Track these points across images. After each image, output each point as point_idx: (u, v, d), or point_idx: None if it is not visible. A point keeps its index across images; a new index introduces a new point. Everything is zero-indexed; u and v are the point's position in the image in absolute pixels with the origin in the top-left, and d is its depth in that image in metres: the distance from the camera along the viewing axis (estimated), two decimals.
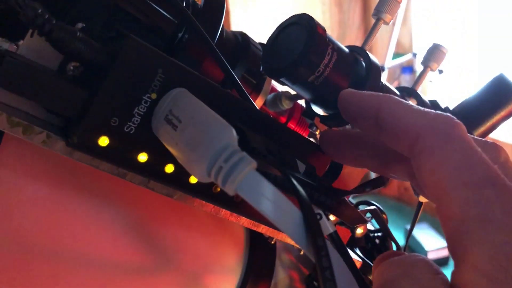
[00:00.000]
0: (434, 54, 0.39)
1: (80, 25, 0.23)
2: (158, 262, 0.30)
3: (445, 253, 2.06)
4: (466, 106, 0.39)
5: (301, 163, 0.27)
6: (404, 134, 0.21)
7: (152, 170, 0.24)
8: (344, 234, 0.43)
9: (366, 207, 0.50)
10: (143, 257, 0.29)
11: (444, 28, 2.38)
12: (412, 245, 2.14)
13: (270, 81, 0.38)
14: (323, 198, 0.24)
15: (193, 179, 0.25)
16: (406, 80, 2.56)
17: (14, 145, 0.24)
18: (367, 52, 0.32)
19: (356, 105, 0.24)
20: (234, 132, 0.19)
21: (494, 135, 0.39)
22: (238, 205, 0.27)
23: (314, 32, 0.28)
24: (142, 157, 0.23)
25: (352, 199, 0.55)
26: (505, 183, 0.17)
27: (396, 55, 2.48)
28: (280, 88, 0.39)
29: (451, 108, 0.41)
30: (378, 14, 0.33)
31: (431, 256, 2.02)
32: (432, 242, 2.11)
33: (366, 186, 0.29)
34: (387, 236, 0.49)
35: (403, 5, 2.38)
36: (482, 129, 0.38)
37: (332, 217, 0.31)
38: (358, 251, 0.48)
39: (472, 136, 0.20)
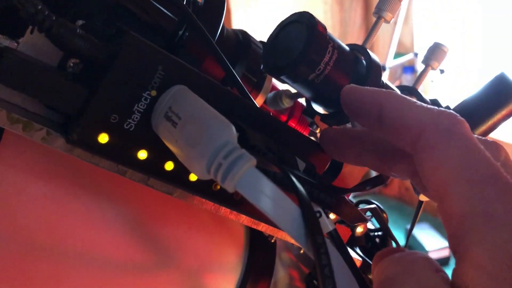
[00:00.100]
0: (435, 53, 0.39)
1: (80, 22, 0.23)
2: (158, 260, 0.30)
3: (445, 253, 2.06)
4: (466, 105, 0.39)
5: (301, 161, 0.27)
6: (407, 130, 0.21)
7: (152, 168, 0.24)
8: (344, 232, 0.43)
9: (366, 206, 0.49)
10: (143, 255, 0.29)
11: (445, 27, 2.38)
12: (413, 245, 2.14)
13: (271, 79, 0.38)
14: (323, 196, 0.24)
15: (193, 177, 0.25)
16: (407, 80, 2.56)
17: (14, 142, 0.24)
18: (368, 50, 0.32)
19: (359, 101, 0.23)
20: (234, 129, 0.19)
21: (494, 135, 0.38)
22: (238, 203, 0.27)
23: (314, 30, 0.28)
24: (142, 154, 0.23)
25: (352, 198, 0.55)
26: (508, 181, 0.17)
27: (398, 54, 2.48)
28: (281, 86, 0.39)
29: (451, 107, 0.41)
30: (379, 13, 0.33)
31: (431, 256, 2.01)
32: (432, 242, 2.11)
33: (366, 184, 0.29)
34: (387, 235, 0.49)
35: (404, 5, 2.38)
36: (482, 128, 0.38)
37: (332, 216, 0.31)
38: (358, 250, 0.48)
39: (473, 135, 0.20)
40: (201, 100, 0.21)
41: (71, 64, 0.22)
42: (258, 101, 0.37)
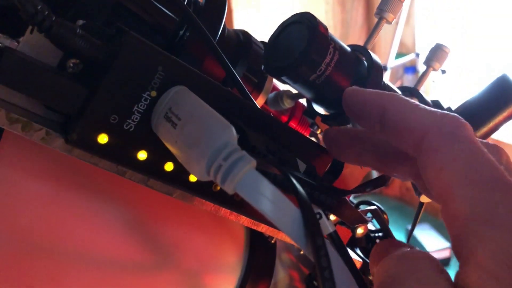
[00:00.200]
0: (436, 54, 0.39)
1: (80, 22, 0.23)
2: (158, 261, 0.30)
3: (446, 253, 2.06)
4: (468, 107, 0.39)
5: (302, 162, 0.27)
6: (409, 133, 0.20)
7: (152, 168, 0.23)
8: (345, 234, 0.43)
9: (367, 207, 0.49)
10: (143, 255, 0.29)
11: (447, 28, 2.38)
12: (413, 246, 2.14)
13: (272, 79, 0.38)
14: (323, 197, 0.24)
15: (192, 178, 0.25)
16: (408, 80, 2.56)
17: (13, 142, 0.24)
18: (369, 51, 0.32)
19: (361, 103, 0.23)
20: (234, 131, 0.19)
21: (496, 136, 0.38)
22: (238, 204, 0.27)
23: (316, 31, 0.28)
24: (142, 155, 0.23)
25: (353, 199, 0.54)
26: (511, 184, 0.17)
27: (399, 55, 2.48)
28: (282, 86, 0.39)
29: (453, 108, 0.41)
30: (381, 13, 0.33)
31: None
32: (433, 243, 2.10)
33: (367, 186, 0.29)
34: (388, 236, 0.49)
35: (406, 5, 2.38)
36: (484, 129, 0.38)
37: (332, 217, 0.31)
38: (358, 251, 0.47)
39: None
40: (201, 101, 0.21)
41: (71, 64, 0.22)
42: (259, 102, 0.37)
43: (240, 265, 0.37)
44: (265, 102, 0.38)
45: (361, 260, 0.44)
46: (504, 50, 2.08)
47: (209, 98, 0.22)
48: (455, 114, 0.20)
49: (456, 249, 0.18)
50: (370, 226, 0.51)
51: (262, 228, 0.32)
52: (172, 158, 0.23)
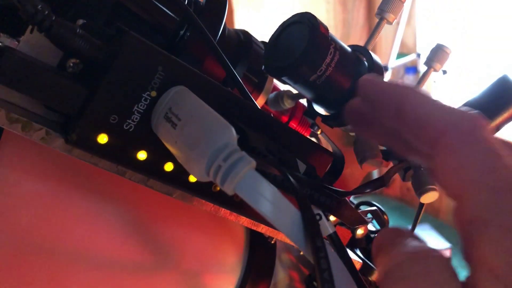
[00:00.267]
0: (437, 54, 0.38)
1: (80, 21, 0.23)
2: (158, 261, 0.30)
3: (446, 254, 2.05)
4: (469, 107, 0.39)
5: (302, 163, 0.27)
6: (426, 130, 0.20)
7: (151, 168, 0.23)
8: (345, 234, 0.43)
9: (367, 207, 0.49)
10: (143, 255, 0.29)
11: (448, 28, 2.37)
12: None
13: (272, 80, 0.38)
14: (323, 198, 0.24)
15: (192, 178, 0.25)
16: (409, 80, 2.56)
17: (13, 142, 0.24)
18: (370, 51, 0.32)
19: (376, 94, 0.22)
20: (234, 131, 0.19)
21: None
22: (237, 204, 0.27)
23: (316, 31, 0.28)
24: (141, 155, 0.23)
25: (353, 200, 0.54)
26: None
27: (400, 55, 2.47)
28: (282, 86, 0.39)
29: None
30: (382, 14, 0.33)
31: None
32: (433, 243, 2.10)
33: (366, 187, 0.29)
34: None
35: (407, 5, 2.37)
36: None
37: (332, 218, 0.31)
38: (358, 252, 0.47)
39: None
40: (201, 101, 0.21)
41: (71, 64, 0.21)
42: (259, 102, 0.37)
43: (240, 266, 0.37)
44: (266, 102, 0.38)
45: (361, 261, 0.44)
46: (505, 51, 2.08)
47: (209, 98, 0.22)
48: (474, 113, 0.19)
49: (467, 252, 0.17)
50: (370, 227, 0.51)
51: (262, 228, 0.32)
52: (172, 158, 0.23)
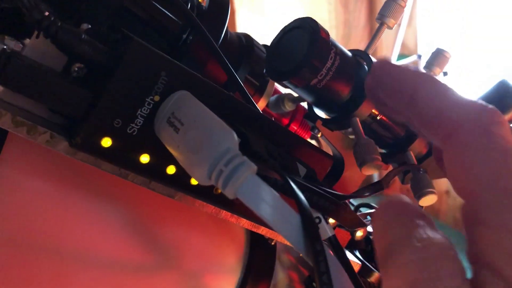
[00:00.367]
0: (437, 58, 0.39)
1: (85, 25, 0.23)
2: (158, 261, 0.30)
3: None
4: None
5: (302, 166, 0.27)
6: (441, 121, 0.19)
7: (154, 171, 0.24)
8: (344, 236, 0.43)
9: (367, 209, 0.50)
10: (144, 256, 0.29)
11: (448, 29, 2.37)
12: None
13: (273, 83, 0.38)
14: (323, 202, 0.24)
15: (194, 181, 0.25)
16: None
17: (18, 145, 0.24)
18: (370, 56, 0.32)
19: (390, 79, 0.21)
20: (236, 136, 0.20)
21: None
22: (238, 207, 0.28)
23: (317, 36, 0.28)
24: (144, 158, 0.23)
25: (353, 201, 0.55)
26: None
27: (401, 56, 2.47)
28: (283, 90, 0.40)
29: None
30: (382, 19, 0.33)
31: None
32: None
33: (366, 190, 0.29)
34: None
35: (408, 6, 2.37)
36: None
37: (331, 220, 0.31)
38: (357, 254, 0.48)
39: None
40: (203, 106, 0.22)
41: (76, 69, 0.22)
42: (261, 105, 0.37)
43: (240, 266, 0.37)
44: (267, 105, 0.39)
45: (360, 262, 0.44)
46: (505, 51, 2.07)
47: (211, 103, 0.23)
48: (493, 108, 0.18)
49: (472, 252, 0.17)
50: (370, 229, 0.51)
51: (262, 230, 0.32)
52: (174, 161, 0.23)
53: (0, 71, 0.19)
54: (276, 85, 0.39)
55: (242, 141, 0.23)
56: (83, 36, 0.21)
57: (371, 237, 0.49)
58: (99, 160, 0.23)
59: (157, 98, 0.22)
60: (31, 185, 0.25)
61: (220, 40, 0.32)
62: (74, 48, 0.21)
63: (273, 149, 0.25)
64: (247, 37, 0.37)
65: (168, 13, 0.30)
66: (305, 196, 0.20)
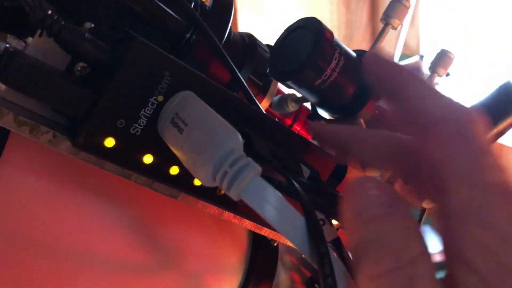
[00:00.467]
0: (441, 60, 0.39)
1: (88, 24, 0.23)
2: (160, 262, 0.30)
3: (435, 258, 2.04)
4: None
5: (306, 167, 0.27)
6: (420, 117, 0.20)
7: (157, 172, 0.24)
8: (347, 238, 0.43)
9: None
10: (145, 256, 0.29)
11: (450, 27, 2.37)
12: None
13: (276, 83, 0.38)
14: (327, 203, 0.24)
15: (197, 181, 0.25)
16: None
17: (20, 144, 0.24)
18: None
19: (379, 72, 0.22)
20: (240, 137, 0.19)
21: (499, 141, 0.38)
22: (242, 208, 0.27)
23: (321, 36, 0.28)
24: (148, 159, 0.23)
25: None
26: None
27: (403, 56, 2.46)
28: (286, 90, 0.39)
29: None
30: (387, 19, 0.33)
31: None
32: (433, 245, 2.10)
33: None
34: None
35: (411, 6, 2.36)
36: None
37: (334, 221, 0.31)
38: None
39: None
40: (207, 106, 0.22)
41: (79, 68, 0.22)
42: (264, 105, 0.37)
43: (242, 267, 0.37)
44: (270, 105, 0.38)
45: None
46: (507, 49, 2.06)
47: (216, 103, 0.22)
48: (472, 109, 0.19)
49: (446, 248, 0.17)
50: None
51: (265, 231, 0.32)
52: (177, 162, 0.23)
53: (2, 70, 0.19)
54: (279, 85, 0.39)
55: (246, 142, 0.23)
56: (86, 35, 0.21)
57: None
58: (101, 160, 0.23)
59: (160, 98, 0.22)
60: (33, 185, 0.24)
61: (224, 40, 0.32)
62: (78, 47, 0.21)
63: (276, 150, 0.25)
64: (250, 37, 0.37)
65: (171, 12, 0.30)
66: (309, 198, 0.20)
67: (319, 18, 0.29)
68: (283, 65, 0.30)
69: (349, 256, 0.24)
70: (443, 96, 0.20)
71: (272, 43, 0.38)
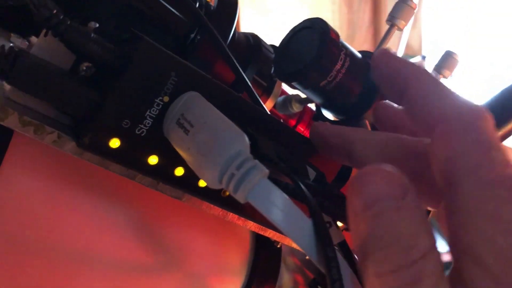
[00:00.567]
0: (446, 61, 0.38)
1: (93, 24, 0.23)
2: (163, 262, 0.30)
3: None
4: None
5: (311, 169, 0.27)
6: (427, 114, 0.20)
7: (162, 173, 0.23)
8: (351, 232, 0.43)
9: None
10: (148, 257, 0.29)
11: (454, 27, 2.36)
12: None
13: (281, 83, 0.38)
14: (333, 206, 0.24)
15: (202, 183, 0.25)
16: None
17: (23, 144, 0.24)
18: None
19: (387, 69, 0.22)
20: (247, 139, 0.19)
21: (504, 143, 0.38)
22: (246, 210, 0.27)
23: (327, 37, 0.28)
24: (153, 160, 0.23)
25: None
26: None
27: (405, 56, 2.46)
28: (290, 91, 0.39)
29: None
30: (392, 20, 0.33)
31: None
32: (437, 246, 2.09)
33: None
34: None
35: None
36: None
37: (339, 223, 0.31)
38: None
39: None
40: (213, 107, 0.21)
41: (84, 68, 0.21)
42: (268, 105, 0.37)
43: (245, 268, 0.37)
44: (274, 106, 0.38)
45: None
46: (509, 49, 2.06)
47: (221, 104, 0.22)
48: (479, 106, 0.19)
49: (454, 242, 0.17)
50: None
51: (269, 233, 0.32)
52: (182, 163, 0.23)
53: (8, 70, 0.19)
54: (283, 86, 0.39)
55: (252, 144, 0.23)
56: (92, 35, 0.21)
57: None
58: (106, 160, 0.23)
59: (166, 99, 0.22)
60: (35, 185, 0.24)
61: (229, 40, 0.32)
62: (83, 47, 0.20)
63: (282, 151, 0.25)
64: (254, 37, 0.37)
65: (176, 12, 0.30)
66: (315, 200, 0.20)
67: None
68: (288, 66, 0.29)
69: (356, 260, 0.24)
70: (449, 92, 0.20)
71: (274, 43, 0.38)
